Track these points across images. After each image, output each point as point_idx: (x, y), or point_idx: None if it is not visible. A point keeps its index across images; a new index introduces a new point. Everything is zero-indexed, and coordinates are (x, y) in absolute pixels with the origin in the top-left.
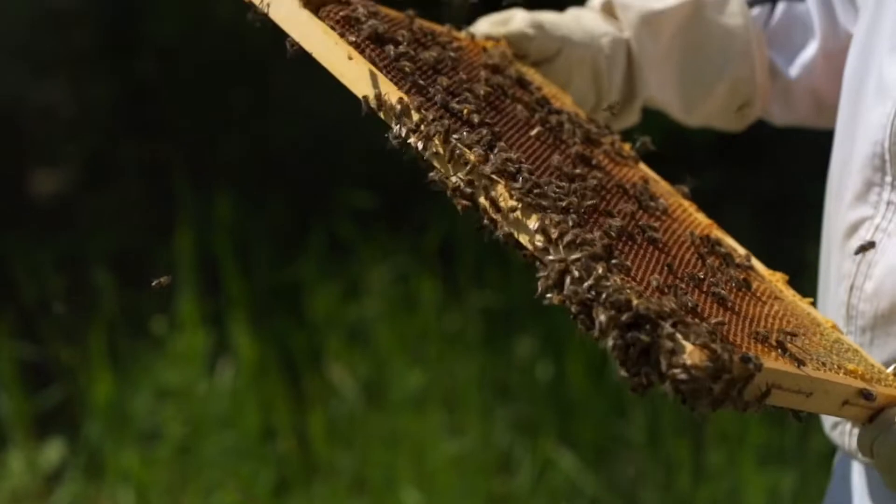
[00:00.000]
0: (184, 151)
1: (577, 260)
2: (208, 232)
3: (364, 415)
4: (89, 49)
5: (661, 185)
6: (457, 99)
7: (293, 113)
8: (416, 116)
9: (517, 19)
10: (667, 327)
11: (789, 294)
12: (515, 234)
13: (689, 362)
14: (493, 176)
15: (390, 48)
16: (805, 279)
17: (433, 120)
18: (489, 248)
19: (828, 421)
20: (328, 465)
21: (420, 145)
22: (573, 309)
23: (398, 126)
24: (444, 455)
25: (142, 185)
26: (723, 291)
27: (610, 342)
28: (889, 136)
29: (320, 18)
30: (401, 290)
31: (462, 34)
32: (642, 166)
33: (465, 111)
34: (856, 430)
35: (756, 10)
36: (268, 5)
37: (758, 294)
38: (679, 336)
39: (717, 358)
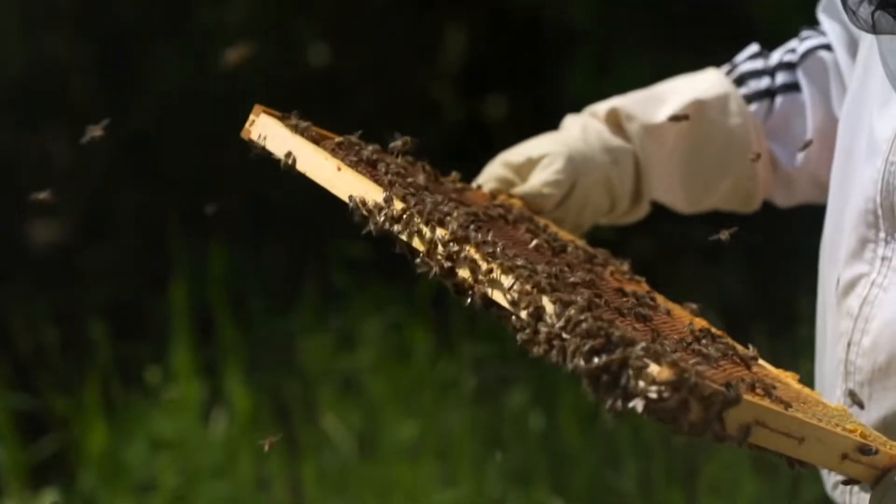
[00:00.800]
0: (179, 202)
1: (554, 302)
2: (203, 282)
3: (357, 465)
4: (87, 99)
5: (669, 303)
6: (444, 206)
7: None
8: (399, 205)
9: (535, 178)
10: (636, 350)
11: (798, 387)
12: (491, 294)
13: (657, 378)
14: (472, 247)
15: (382, 166)
16: (799, 331)
17: (416, 204)
18: None
19: (829, 481)
20: None
21: (399, 228)
22: (543, 346)
23: (381, 215)
24: None
25: (137, 236)
26: (712, 352)
27: (581, 363)
28: (880, 192)
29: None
30: (394, 340)
31: (473, 185)
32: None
33: (454, 214)
34: (857, 490)
35: (754, 106)
36: (264, 138)
37: (758, 374)
38: (648, 358)
39: (685, 375)
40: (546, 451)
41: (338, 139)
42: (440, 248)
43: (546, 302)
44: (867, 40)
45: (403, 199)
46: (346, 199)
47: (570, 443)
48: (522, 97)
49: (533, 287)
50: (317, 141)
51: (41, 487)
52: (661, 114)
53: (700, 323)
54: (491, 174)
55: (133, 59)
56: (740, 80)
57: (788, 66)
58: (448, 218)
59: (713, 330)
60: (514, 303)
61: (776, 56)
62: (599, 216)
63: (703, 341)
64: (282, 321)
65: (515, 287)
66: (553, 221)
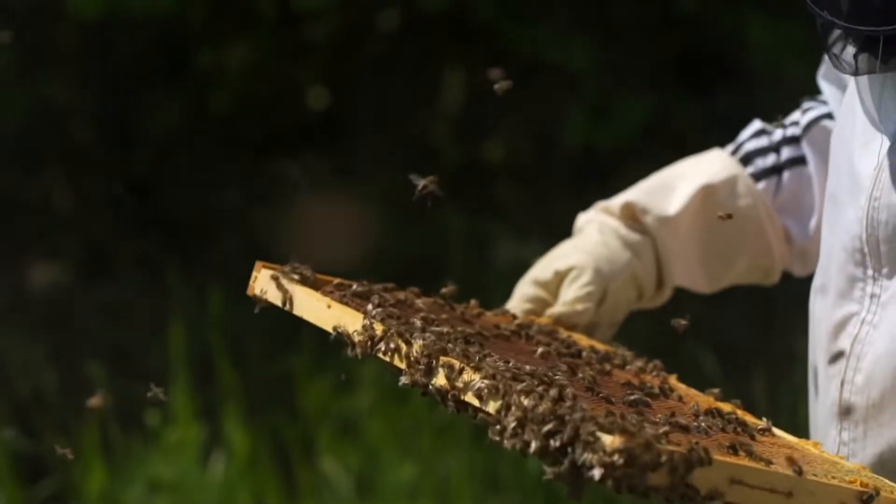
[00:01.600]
0: (178, 246)
1: (519, 394)
2: (201, 325)
3: None
4: (87, 144)
5: (689, 390)
6: (433, 326)
7: (286, 206)
8: (379, 328)
9: (566, 295)
10: (588, 425)
11: (816, 452)
12: (462, 395)
13: (608, 448)
14: (446, 357)
15: (375, 298)
16: (799, 372)
17: (397, 325)
18: None
19: None
20: None
21: (382, 348)
22: (510, 439)
23: (363, 338)
24: None
25: (136, 279)
26: (705, 426)
27: (539, 445)
28: (865, 229)
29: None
30: (392, 382)
31: (506, 310)
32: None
33: (441, 329)
34: None
35: (763, 184)
36: (265, 292)
37: (758, 441)
38: (600, 431)
39: (637, 441)
40: (543, 494)
41: (336, 281)
42: (418, 362)
43: (512, 396)
44: (851, 84)
45: (383, 322)
46: (331, 331)
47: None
48: (521, 141)
49: (500, 383)
50: (316, 284)
51: None
52: (674, 204)
53: (710, 404)
54: (522, 295)
55: (132, 104)
56: (746, 160)
57: (793, 140)
58: (426, 334)
59: (723, 408)
60: (481, 398)
61: (779, 131)
62: (629, 308)
63: (701, 418)
64: (280, 363)
65: (482, 385)
66: (585, 330)
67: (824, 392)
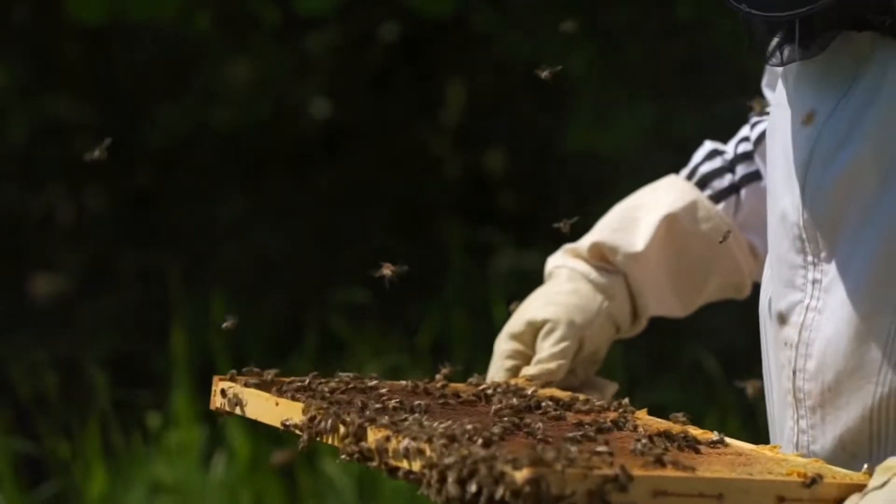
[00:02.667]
0: (180, 256)
1: (436, 450)
2: (203, 330)
3: None
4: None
5: (650, 420)
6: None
7: (287, 215)
8: (315, 412)
9: (541, 352)
10: (498, 463)
11: (770, 454)
12: (400, 465)
13: (518, 480)
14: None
15: (323, 390)
16: None
17: (337, 411)
18: (481, 346)
19: None
20: None
21: (328, 435)
22: (436, 494)
23: (308, 429)
24: None
25: (138, 289)
26: (637, 448)
27: (454, 493)
28: (802, 216)
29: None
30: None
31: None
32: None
33: (390, 404)
34: None
35: (722, 205)
36: (224, 404)
37: (703, 453)
38: (509, 467)
39: (543, 471)
40: None
41: (290, 380)
42: (348, 436)
43: (428, 451)
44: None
45: (318, 409)
46: (280, 426)
47: None
48: (521, 149)
49: (423, 444)
50: (270, 384)
51: None
52: (640, 239)
53: (660, 428)
54: (502, 352)
55: (133, 118)
56: (703, 183)
57: (745, 157)
58: (366, 412)
59: (673, 430)
60: (406, 458)
61: (731, 149)
62: (609, 344)
63: (643, 441)
64: (282, 368)
65: (408, 446)
66: (564, 380)
67: (777, 383)
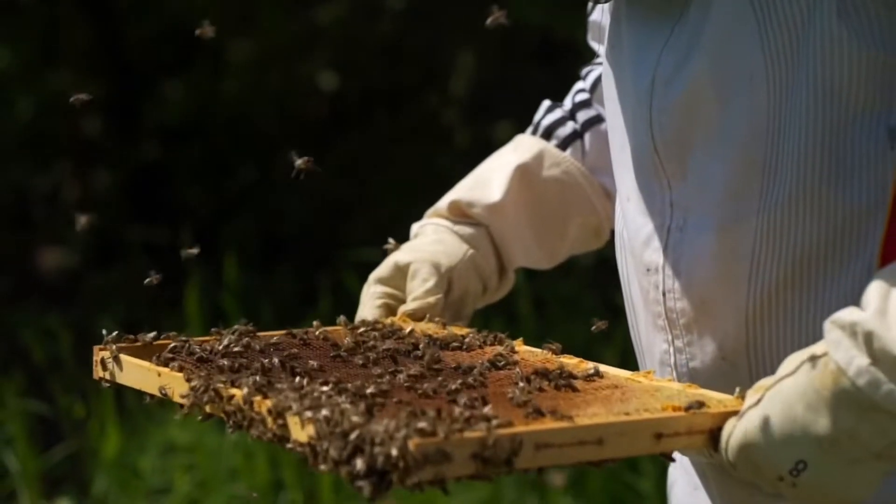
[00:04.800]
0: (193, 226)
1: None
2: (216, 295)
3: None
4: (95, 134)
5: (528, 351)
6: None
7: (299, 183)
8: (197, 383)
9: (415, 291)
10: (380, 436)
11: (646, 382)
12: (278, 432)
13: (395, 454)
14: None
15: (204, 349)
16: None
17: (206, 379)
18: (493, 306)
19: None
20: None
21: (207, 405)
22: (320, 465)
23: (189, 396)
24: None
25: (150, 259)
26: (516, 394)
27: (341, 465)
28: (652, 138)
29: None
30: None
31: (357, 321)
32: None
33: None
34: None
35: (569, 151)
36: (106, 373)
37: (581, 390)
38: (391, 440)
39: (427, 441)
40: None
41: (172, 344)
42: (236, 411)
43: (319, 424)
44: (607, 18)
45: (198, 378)
46: (158, 393)
47: None
48: (531, 120)
49: (307, 413)
50: (149, 349)
51: (55, 493)
52: (496, 191)
53: (538, 364)
54: (372, 294)
55: (140, 93)
56: (547, 134)
57: (584, 104)
58: (246, 380)
59: (549, 367)
60: (295, 431)
61: (569, 100)
62: (477, 301)
63: (521, 385)
64: (295, 327)
65: (295, 419)
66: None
67: (644, 309)
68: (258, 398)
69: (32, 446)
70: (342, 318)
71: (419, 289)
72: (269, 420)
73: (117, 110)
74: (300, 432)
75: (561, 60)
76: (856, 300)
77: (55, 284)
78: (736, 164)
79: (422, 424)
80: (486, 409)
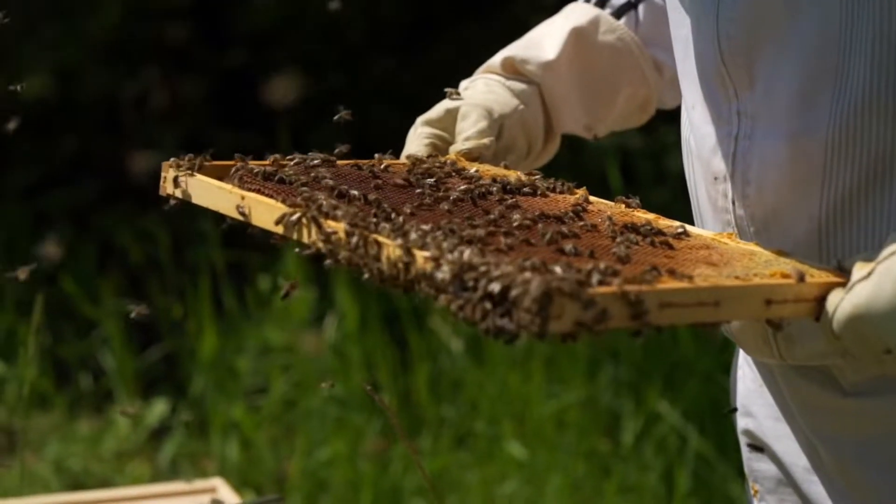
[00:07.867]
0: (277, 133)
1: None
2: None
3: (468, 372)
4: (182, 41)
5: (605, 204)
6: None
7: (390, 93)
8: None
9: (466, 131)
10: (518, 281)
11: (734, 245)
12: (379, 265)
13: (525, 297)
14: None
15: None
16: None
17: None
18: None
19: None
20: (433, 420)
21: (299, 229)
22: (442, 298)
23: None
24: (548, 412)
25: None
26: (621, 249)
27: (478, 318)
28: (718, 48)
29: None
30: None
31: (403, 158)
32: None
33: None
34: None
35: (623, 20)
36: (176, 191)
37: (677, 248)
38: (530, 286)
39: (570, 291)
40: (658, 360)
41: (237, 164)
42: (350, 245)
43: (453, 265)
44: None
45: (301, 205)
46: (236, 213)
47: (682, 351)
48: None
49: (437, 249)
50: (219, 170)
51: (152, 394)
52: (551, 50)
53: (624, 219)
54: (420, 135)
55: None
56: (602, 3)
57: None
58: (348, 209)
59: (636, 221)
60: (404, 266)
61: None
62: (521, 161)
63: (619, 240)
64: None
65: (429, 257)
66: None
67: (713, 214)
68: (385, 237)
69: (129, 347)
70: (407, 154)
71: (471, 129)
72: (391, 250)
73: (204, 18)
74: (439, 270)
75: None
76: None
77: (146, 189)
78: (806, 72)
79: (574, 280)
80: (605, 265)
